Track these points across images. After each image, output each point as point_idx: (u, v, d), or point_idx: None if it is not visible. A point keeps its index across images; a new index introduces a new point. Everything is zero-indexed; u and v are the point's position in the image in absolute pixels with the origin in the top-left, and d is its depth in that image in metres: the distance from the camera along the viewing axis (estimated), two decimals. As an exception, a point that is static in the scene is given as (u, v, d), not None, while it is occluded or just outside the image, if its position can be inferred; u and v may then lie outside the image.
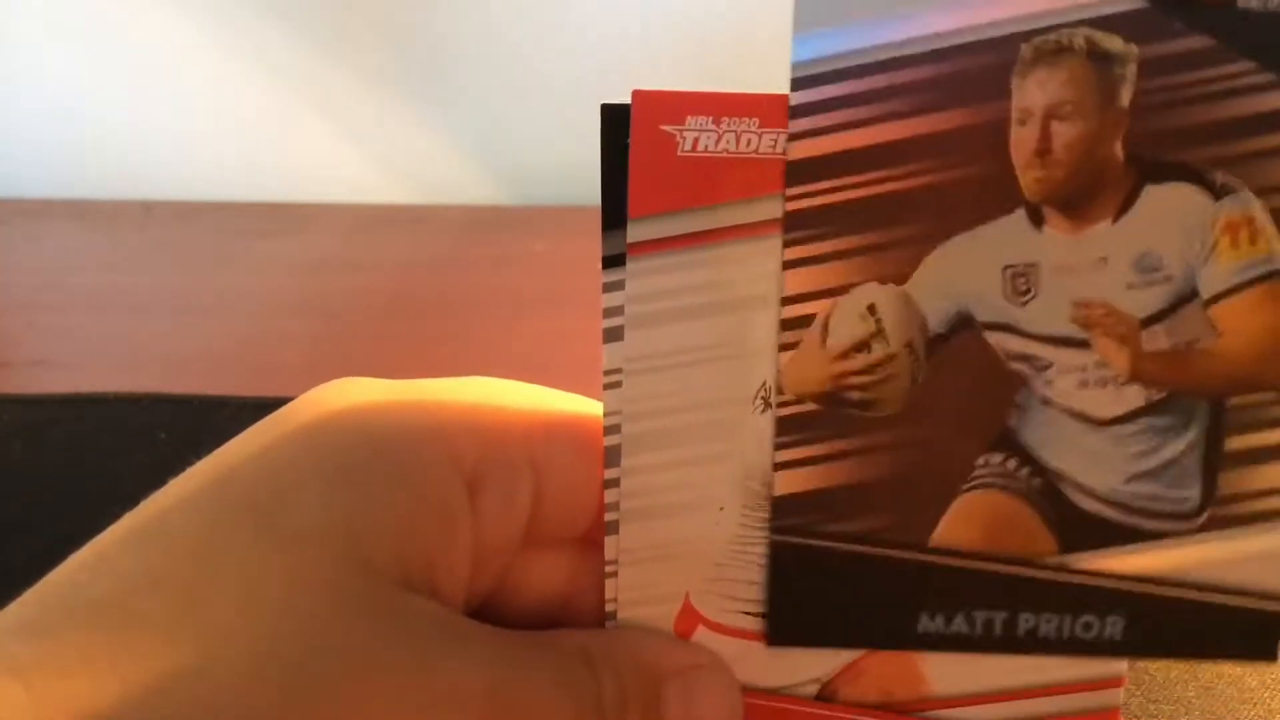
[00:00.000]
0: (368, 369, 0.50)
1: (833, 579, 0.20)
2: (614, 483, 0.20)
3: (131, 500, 0.20)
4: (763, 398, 0.20)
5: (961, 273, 0.19)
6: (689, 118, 0.18)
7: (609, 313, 0.19)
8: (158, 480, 0.20)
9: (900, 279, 0.19)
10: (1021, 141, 0.18)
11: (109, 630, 0.16)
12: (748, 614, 0.20)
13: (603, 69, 0.64)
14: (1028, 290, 0.19)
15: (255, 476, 0.18)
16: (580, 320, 0.52)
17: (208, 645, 0.16)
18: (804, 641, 0.21)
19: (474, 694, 0.17)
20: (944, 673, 0.20)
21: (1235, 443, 0.19)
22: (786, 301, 0.19)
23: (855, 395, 0.19)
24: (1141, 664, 0.31)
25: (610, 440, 0.20)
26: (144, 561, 0.17)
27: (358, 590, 0.17)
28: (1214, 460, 0.19)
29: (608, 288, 0.19)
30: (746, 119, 0.18)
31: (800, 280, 0.19)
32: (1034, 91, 0.17)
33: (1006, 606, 0.20)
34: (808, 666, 0.21)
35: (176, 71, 0.68)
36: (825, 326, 0.19)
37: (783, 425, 0.19)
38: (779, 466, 0.20)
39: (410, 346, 0.50)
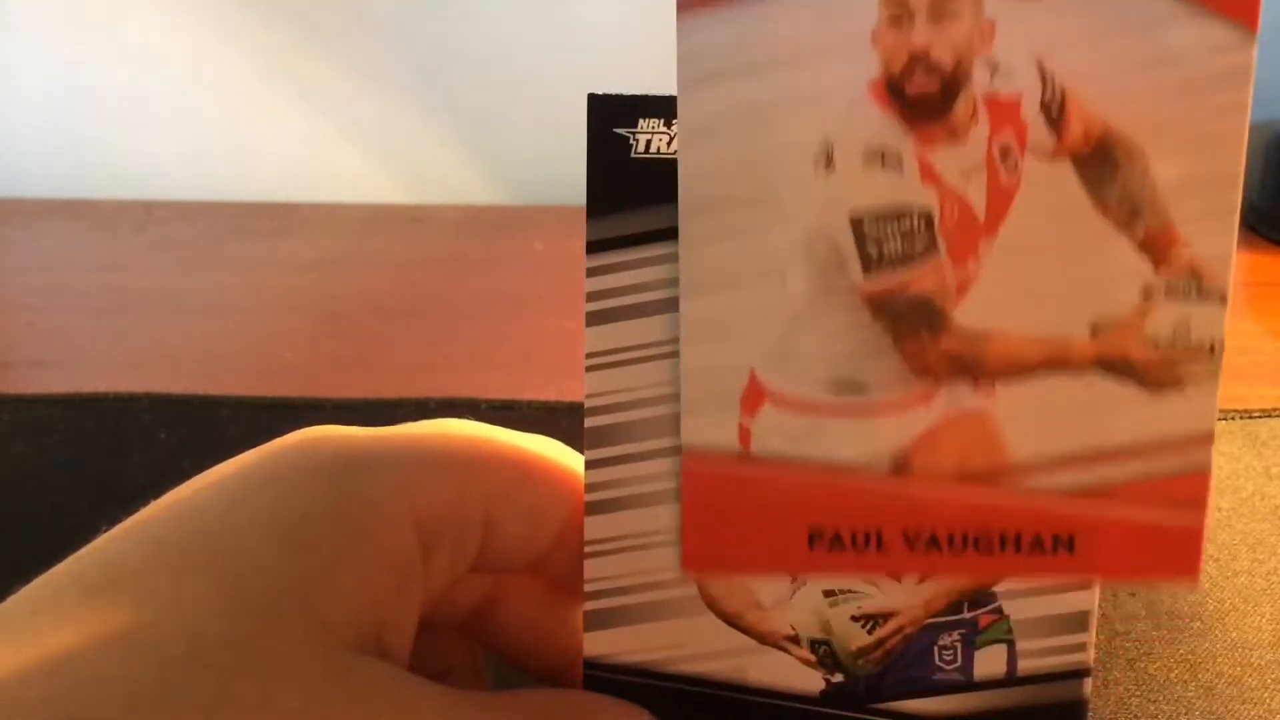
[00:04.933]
0: (368, 369, 0.50)
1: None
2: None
3: (131, 500, 0.20)
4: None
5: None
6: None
7: (591, 297, 0.20)
8: (157, 480, 0.20)
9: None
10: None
11: (61, 684, 0.16)
12: (818, 385, 0.20)
13: (603, 70, 0.64)
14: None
15: (215, 532, 0.18)
16: (580, 320, 0.52)
17: (161, 705, 0.16)
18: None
19: None
20: (1024, 436, 0.19)
21: None
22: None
23: None
24: (1141, 664, 0.31)
25: (590, 422, 0.21)
26: (100, 614, 0.17)
27: (313, 654, 0.17)
28: None
29: (590, 273, 0.20)
30: None
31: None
32: None
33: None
34: (883, 436, 0.20)
35: (176, 71, 0.68)
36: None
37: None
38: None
39: (410, 346, 0.50)
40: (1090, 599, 0.20)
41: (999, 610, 0.20)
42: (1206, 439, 0.19)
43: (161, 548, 0.18)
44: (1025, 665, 0.20)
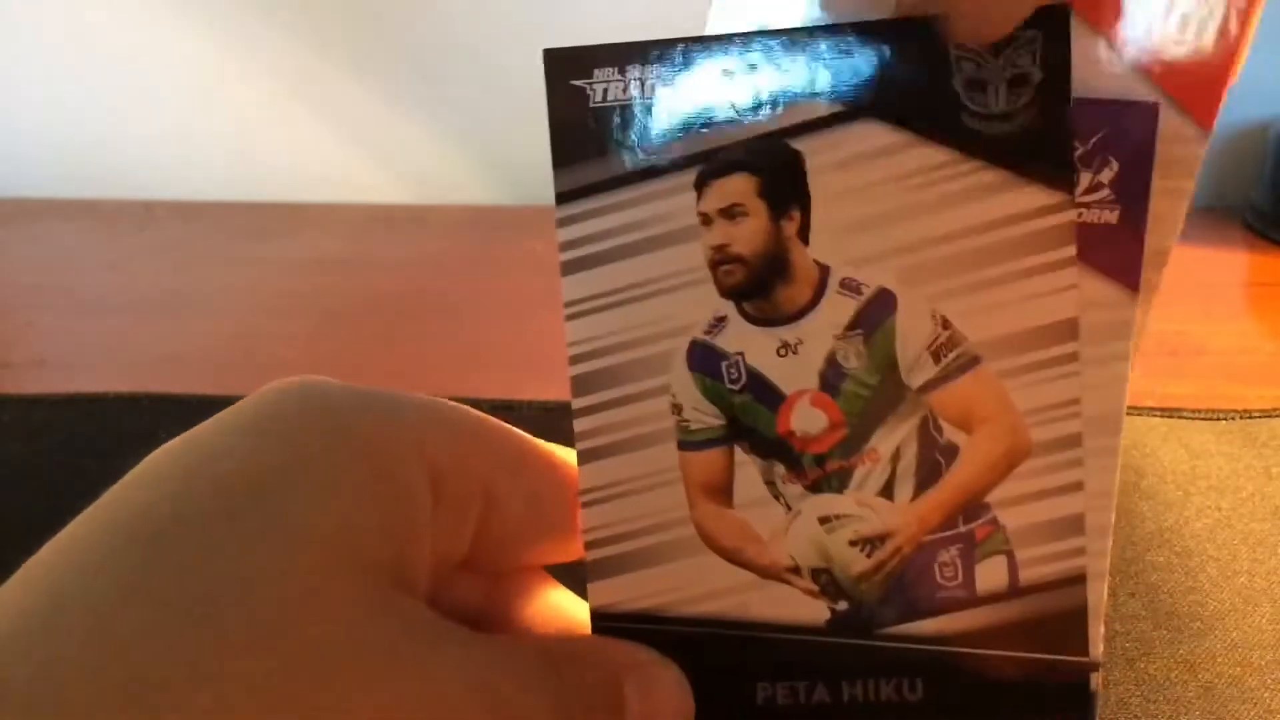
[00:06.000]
0: (367, 368, 0.50)
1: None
2: (581, 411, 0.21)
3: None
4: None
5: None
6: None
7: (564, 247, 0.21)
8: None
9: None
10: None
11: (111, 639, 0.16)
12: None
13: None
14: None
15: (236, 476, 0.18)
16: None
17: (212, 651, 0.16)
18: None
19: (458, 693, 0.18)
20: None
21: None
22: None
23: None
24: (1141, 664, 0.31)
25: (574, 370, 0.21)
26: (133, 564, 0.17)
27: (351, 587, 0.17)
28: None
29: (560, 223, 0.21)
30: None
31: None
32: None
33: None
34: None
35: (176, 72, 0.68)
36: None
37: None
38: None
39: (410, 346, 0.50)
40: (1079, 502, 0.20)
41: (994, 521, 0.20)
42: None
43: (186, 502, 0.17)
44: (1026, 575, 0.20)
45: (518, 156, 0.68)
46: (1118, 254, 0.20)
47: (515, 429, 0.22)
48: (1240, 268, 0.55)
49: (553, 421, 0.44)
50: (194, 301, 0.56)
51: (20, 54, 0.69)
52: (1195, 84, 0.19)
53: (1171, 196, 0.20)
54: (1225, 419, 0.41)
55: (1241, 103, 0.19)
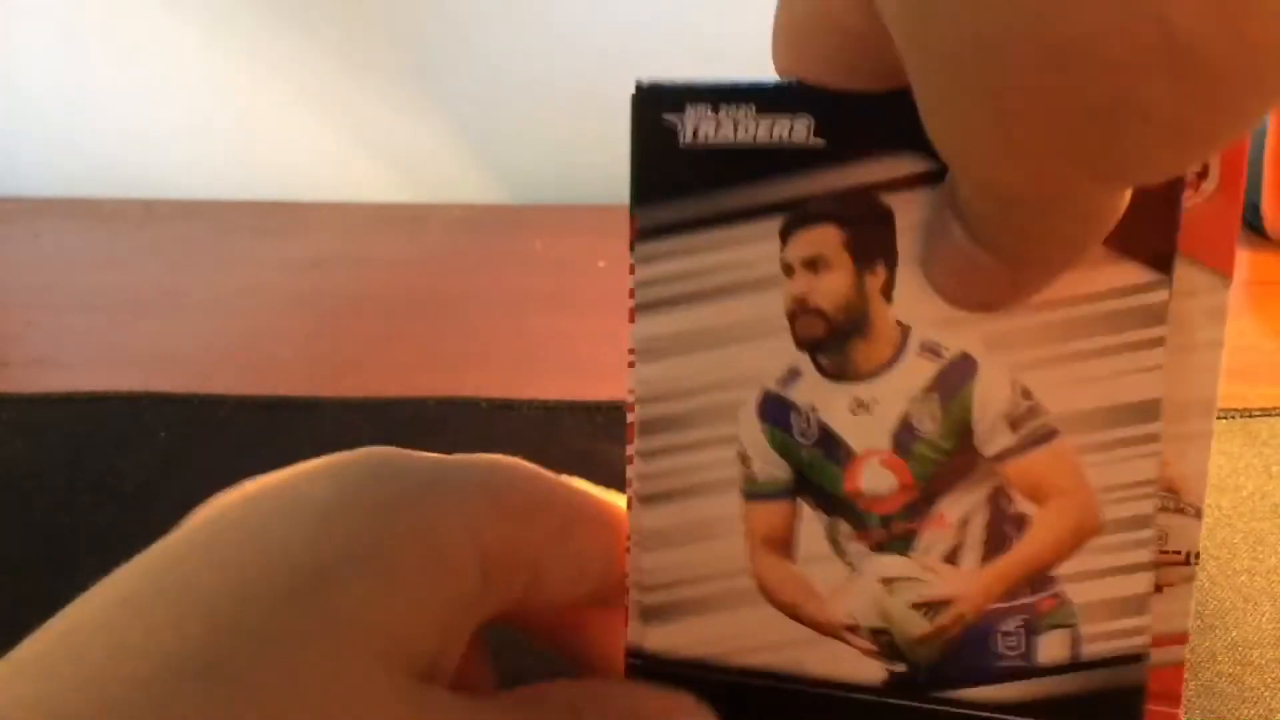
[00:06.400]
0: (367, 369, 0.50)
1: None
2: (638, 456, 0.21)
3: (131, 499, 0.20)
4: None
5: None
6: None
7: (640, 285, 0.20)
8: (157, 480, 0.19)
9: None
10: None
11: (151, 712, 0.16)
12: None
13: (603, 70, 0.64)
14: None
15: (301, 559, 0.18)
16: (580, 320, 0.52)
17: None
18: None
19: None
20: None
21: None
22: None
23: None
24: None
25: (641, 413, 0.21)
26: (191, 646, 0.17)
27: (391, 682, 0.18)
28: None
29: (638, 261, 0.20)
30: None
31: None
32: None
33: None
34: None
35: (176, 71, 0.68)
36: None
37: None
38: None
39: (410, 346, 0.50)
40: (1148, 581, 0.20)
41: (1059, 595, 0.20)
42: (1182, 638, 0.21)
43: (248, 581, 0.18)
44: (1088, 650, 0.20)
45: (518, 156, 0.68)
46: (1213, 237, 0.19)
47: (565, 487, 0.22)
48: (1240, 267, 0.55)
49: (553, 421, 0.45)
50: (193, 300, 0.56)
51: (20, 54, 0.69)
52: (1210, 239, 0.19)
53: (1210, 349, 0.19)
54: (1225, 417, 0.41)
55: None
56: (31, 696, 0.16)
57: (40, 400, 0.45)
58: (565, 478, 0.22)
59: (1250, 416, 0.41)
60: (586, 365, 0.48)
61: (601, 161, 0.65)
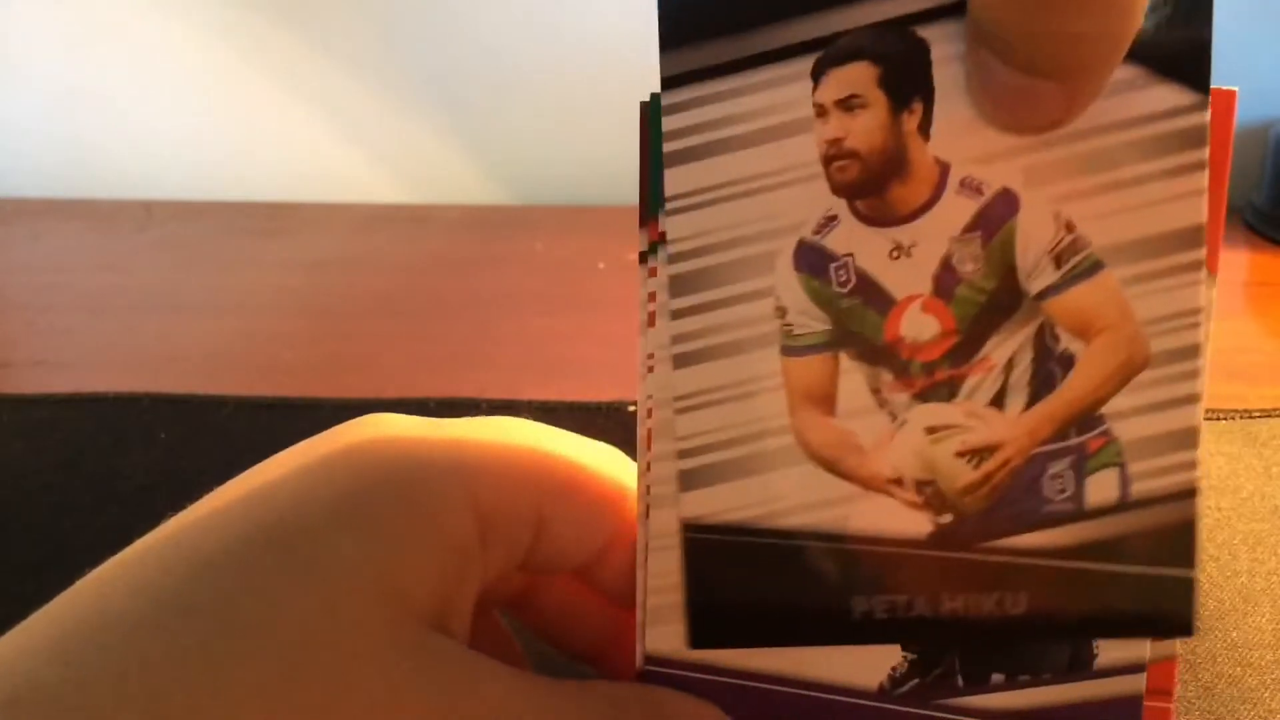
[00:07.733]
0: (368, 369, 0.50)
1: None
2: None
3: (131, 500, 0.20)
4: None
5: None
6: None
7: (668, 137, 0.19)
8: (157, 480, 0.20)
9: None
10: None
11: (139, 651, 0.16)
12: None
13: (603, 69, 0.64)
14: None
15: (287, 515, 0.18)
16: (580, 320, 0.52)
17: (237, 672, 0.16)
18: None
19: None
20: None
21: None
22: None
23: None
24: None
25: (672, 269, 0.20)
26: (175, 585, 0.17)
27: (386, 628, 0.18)
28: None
29: (665, 111, 0.19)
30: None
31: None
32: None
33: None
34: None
35: (176, 71, 0.68)
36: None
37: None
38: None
39: (410, 346, 0.50)
40: (1197, 414, 0.19)
41: (1108, 433, 0.20)
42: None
43: (236, 535, 0.18)
44: (1137, 489, 0.20)
45: (518, 156, 0.68)
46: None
47: (571, 447, 0.22)
48: (1240, 268, 0.55)
49: (553, 421, 0.44)
50: (194, 301, 0.56)
51: (20, 54, 0.69)
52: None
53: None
54: (1225, 418, 0.41)
55: (1242, 103, 0.19)
56: (42, 645, 0.16)
57: (40, 401, 0.45)
58: (571, 434, 0.22)
59: (1250, 417, 0.41)
60: (586, 365, 0.48)
61: (603, 163, 0.65)
